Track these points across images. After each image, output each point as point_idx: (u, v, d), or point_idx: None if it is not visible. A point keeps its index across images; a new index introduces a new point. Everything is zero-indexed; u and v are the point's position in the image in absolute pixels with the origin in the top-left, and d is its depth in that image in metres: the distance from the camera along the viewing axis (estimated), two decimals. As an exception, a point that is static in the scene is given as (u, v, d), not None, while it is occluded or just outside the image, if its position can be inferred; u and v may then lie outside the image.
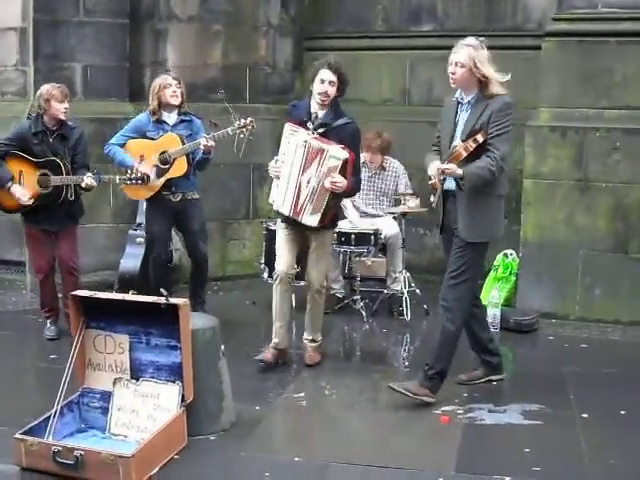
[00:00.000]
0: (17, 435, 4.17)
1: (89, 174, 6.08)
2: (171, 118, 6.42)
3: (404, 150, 7.67)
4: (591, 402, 5.16)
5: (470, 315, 5.33)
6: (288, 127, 5.55)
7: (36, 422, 4.31)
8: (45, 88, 6.19)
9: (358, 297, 7.08)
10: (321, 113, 5.58)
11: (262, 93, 8.48)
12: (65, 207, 6.20)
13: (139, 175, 6.15)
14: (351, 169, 5.49)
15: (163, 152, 6.30)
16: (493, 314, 6.69)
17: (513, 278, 7.28)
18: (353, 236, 6.90)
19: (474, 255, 5.10)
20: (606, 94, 6.86)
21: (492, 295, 6.83)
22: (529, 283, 7.10)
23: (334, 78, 5.52)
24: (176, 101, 6.36)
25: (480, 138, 4.88)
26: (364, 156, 7.23)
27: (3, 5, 8.23)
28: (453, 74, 5.01)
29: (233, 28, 8.28)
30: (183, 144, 6.28)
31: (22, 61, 8.15)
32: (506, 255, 7.41)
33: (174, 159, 6.29)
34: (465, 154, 4.89)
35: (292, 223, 5.66)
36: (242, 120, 6.24)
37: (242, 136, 6.28)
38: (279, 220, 5.82)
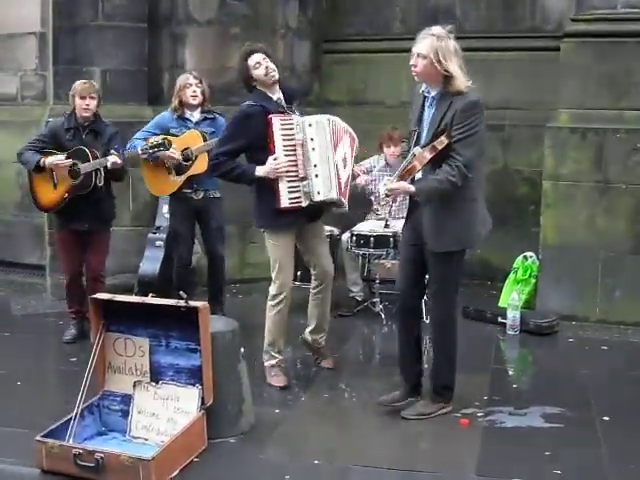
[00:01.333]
0: (38, 438, 4.20)
1: (112, 151, 6.04)
2: (194, 116, 6.46)
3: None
4: (612, 405, 5.13)
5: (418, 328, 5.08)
6: (277, 120, 5.19)
7: (57, 425, 4.33)
8: (74, 84, 6.25)
9: (377, 300, 7.07)
10: (279, 93, 5.39)
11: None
12: (95, 205, 6.17)
13: (160, 141, 6.12)
14: None
15: (185, 148, 6.33)
16: (513, 316, 6.67)
17: (533, 280, 7.24)
18: (372, 239, 6.89)
19: (450, 266, 4.79)
20: (626, 95, 6.82)
21: (512, 297, 6.80)
22: (549, 285, 7.07)
23: (265, 57, 5.38)
24: (195, 100, 6.40)
25: (439, 146, 4.52)
26: (386, 152, 7.23)
27: (23, 10, 8.29)
28: (414, 66, 4.63)
29: (251, 31, 8.26)
30: (205, 141, 6.31)
31: (41, 66, 8.21)
32: (526, 257, 7.38)
33: (196, 156, 6.31)
34: (419, 167, 4.56)
35: (298, 221, 5.38)
36: None
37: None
38: (278, 228, 5.39)
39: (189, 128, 6.43)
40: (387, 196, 4.72)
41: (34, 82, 8.32)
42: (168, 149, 6.22)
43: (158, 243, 7.32)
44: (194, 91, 6.39)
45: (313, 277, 5.70)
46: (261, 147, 5.20)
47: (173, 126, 6.44)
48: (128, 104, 7.92)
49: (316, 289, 5.71)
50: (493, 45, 8.36)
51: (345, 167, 5.38)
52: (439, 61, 4.53)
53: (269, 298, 5.53)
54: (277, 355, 5.52)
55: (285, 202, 5.23)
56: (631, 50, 6.80)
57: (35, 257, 8.22)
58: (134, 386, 4.56)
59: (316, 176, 5.23)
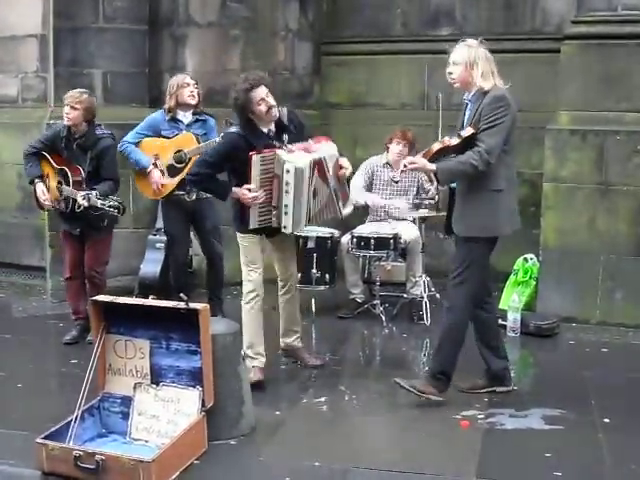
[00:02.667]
0: (38, 440, 4.20)
1: (82, 193, 5.88)
2: (186, 117, 6.47)
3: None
4: (612, 407, 5.13)
5: (478, 319, 5.27)
6: (257, 159, 5.23)
7: (57, 427, 4.33)
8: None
9: (378, 302, 7.07)
10: (272, 125, 5.44)
11: (281, 98, 8.43)
12: (84, 215, 6.15)
13: (115, 204, 5.87)
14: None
15: (179, 151, 6.33)
16: (513, 318, 6.67)
17: (533, 282, 7.25)
18: (372, 241, 6.88)
19: (470, 252, 5.04)
20: (626, 97, 6.83)
21: (512, 299, 6.81)
22: (549, 287, 7.07)
23: (268, 92, 5.42)
24: (193, 100, 6.43)
25: (464, 134, 4.89)
26: (392, 149, 7.22)
27: (23, 12, 8.29)
28: (450, 73, 5.05)
29: (252, 33, 8.29)
30: (199, 143, 6.31)
31: (42, 68, 8.20)
32: (526, 259, 7.38)
33: (189, 158, 6.31)
34: (437, 148, 4.90)
35: (267, 229, 5.52)
36: None
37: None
38: (246, 231, 5.56)
39: (180, 130, 6.44)
40: (404, 169, 5.07)
41: (35, 84, 8.31)
42: (120, 213, 5.96)
43: (158, 245, 7.32)
44: (191, 91, 6.41)
45: (278, 279, 5.88)
46: (242, 171, 5.30)
47: (165, 128, 6.46)
48: (129, 106, 7.93)
49: (281, 291, 5.90)
50: (493, 47, 8.26)
51: (325, 196, 5.50)
52: (472, 64, 4.95)
53: (242, 298, 5.64)
54: (256, 356, 5.51)
55: (254, 224, 5.44)
56: (631, 52, 6.80)
57: (36, 259, 8.22)
58: (134, 388, 4.55)
59: (285, 213, 5.38)
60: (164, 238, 7.21)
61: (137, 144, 6.47)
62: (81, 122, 6.13)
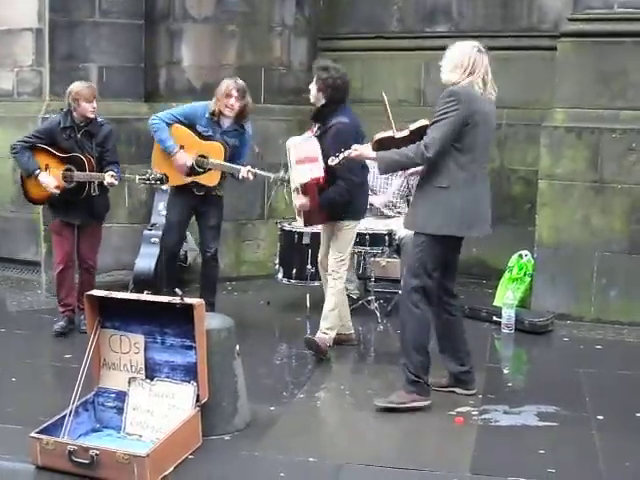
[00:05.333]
0: (32, 434, 4.19)
1: (111, 172, 6.14)
2: (226, 123, 6.35)
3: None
4: (606, 404, 5.14)
5: (439, 320, 5.15)
6: None
7: (51, 421, 4.32)
8: (75, 87, 6.28)
9: (372, 297, 7.07)
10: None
11: (277, 93, 8.49)
12: (87, 202, 6.27)
13: (158, 176, 6.13)
14: None
15: (203, 155, 6.26)
16: (508, 315, 6.68)
17: (528, 279, 7.25)
18: (367, 237, 6.89)
19: (420, 247, 4.91)
20: (622, 95, 6.84)
21: (507, 296, 6.82)
22: (544, 284, 7.08)
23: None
24: (230, 113, 6.28)
25: (412, 126, 4.94)
26: None
27: (19, 6, 8.27)
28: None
29: (248, 28, 8.28)
30: (225, 154, 6.25)
31: (38, 62, 8.18)
32: (521, 256, 7.39)
33: (210, 168, 6.25)
34: (379, 137, 4.99)
35: None
36: (284, 175, 6.17)
37: (276, 187, 6.30)
38: None
39: (215, 133, 6.27)
40: (345, 157, 5.10)
41: (30, 78, 8.29)
42: (164, 184, 6.21)
43: (153, 240, 7.32)
44: (232, 104, 6.24)
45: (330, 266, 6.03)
46: None
47: (201, 123, 6.31)
48: (124, 100, 7.92)
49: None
50: (489, 44, 8.28)
51: None
52: (455, 66, 4.89)
53: (337, 278, 6.05)
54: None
55: None
56: (627, 50, 6.81)
57: (30, 253, 8.21)
58: (129, 383, 4.55)
59: None
60: (159, 233, 7.21)
61: (169, 125, 6.37)
62: None
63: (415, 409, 4.93)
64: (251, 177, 6.21)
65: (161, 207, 7.10)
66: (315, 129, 5.94)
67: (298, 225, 6.49)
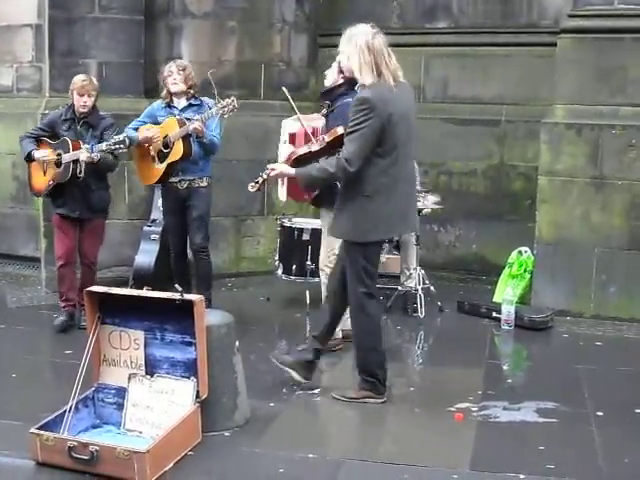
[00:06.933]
0: (33, 430, 4.19)
1: (86, 146, 6.14)
2: (180, 103, 6.44)
3: (418, 147, 7.64)
4: (606, 400, 5.14)
5: (336, 312, 5.19)
6: None
7: (51, 417, 4.32)
8: (74, 79, 6.39)
9: (372, 294, 7.06)
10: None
11: (277, 89, 8.44)
12: (85, 193, 6.30)
13: (120, 139, 6.12)
14: None
15: (166, 136, 6.33)
16: (507, 311, 6.68)
17: (528, 275, 7.25)
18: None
19: (349, 255, 4.91)
20: (622, 91, 6.83)
21: (506, 292, 6.82)
22: (544, 281, 7.08)
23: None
24: (176, 88, 6.39)
25: (327, 138, 4.90)
26: None
27: (19, 2, 8.27)
28: (340, 62, 5.05)
29: (248, 24, 8.28)
30: (182, 127, 6.27)
31: (37, 58, 8.17)
32: (521, 252, 7.39)
33: (173, 142, 6.29)
34: (299, 154, 4.94)
35: None
36: (226, 100, 6.21)
37: (226, 116, 6.25)
38: None
39: (174, 115, 6.40)
40: (265, 179, 5.09)
41: (30, 74, 8.28)
42: (128, 147, 6.26)
43: (153, 236, 7.32)
44: (174, 79, 6.37)
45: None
46: None
47: (160, 114, 6.46)
48: (124, 96, 7.91)
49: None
50: (489, 40, 8.37)
51: None
52: (350, 57, 4.78)
53: None
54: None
55: None
56: (627, 46, 6.81)
57: (30, 249, 8.21)
58: (129, 379, 4.55)
59: None
60: (159, 229, 7.22)
61: (136, 130, 6.46)
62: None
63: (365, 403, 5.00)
64: (198, 124, 6.14)
65: (160, 203, 7.08)
66: (324, 111, 5.90)
67: (298, 221, 6.48)
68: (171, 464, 4.15)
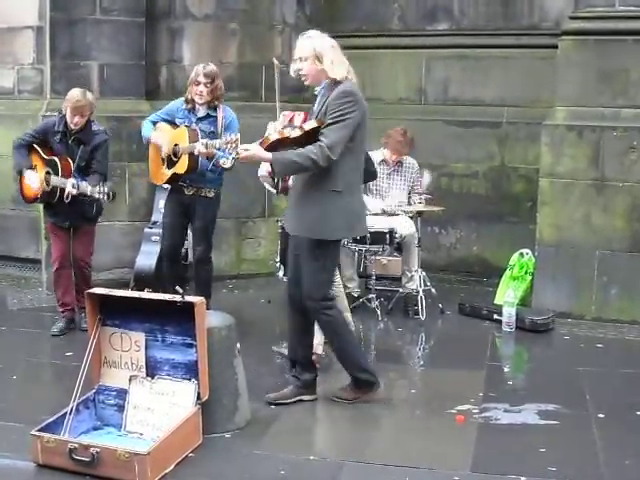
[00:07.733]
0: (33, 432, 4.19)
1: (72, 181, 6.02)
2: (200, 111, 6.29)
3: (419, 148, 7.66)
4: (607, 402, 5.14)
5: (303, 318, 5.05)
6: None
7: (52, 419, 4.32)
8: (69, 94, 6.25)
9: (373, 296, 7.06)
10: None
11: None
12: (75, 205, 6.21)
13: (106, 190, 5.98)
14: None
15: (176, 144, 6.26)
16: (508, 314, 6.68)
17: (529, 277, 7.25)
18: (368, 235, 6.86)
19: (316, 254, 4.78)
20: (623, 93, 6.83)
21: (507, 294, 6.82)
22: (545, 283, 7.08)
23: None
24: (200, 100, 6.21)
25: (307, 126, 4.67)
26: (384, 153, 7.24)
27: (20, 4, 8.27)
28: (299, 70, 4.81)
29: (249, 26, 8.28)
30: (191, 140, 6.16)
31: (39, 59, 8.18)
32: (522, 254, 7.39)
33: (181, 154, 6.21)
34: (275, 138, 4.65)
35: None
36: (231, 136, 5.70)
37: (230, 152, 6.05)
38: None
39: (192, 122, 6.28)
40: (236, 159, 5.00)
41: (31, 76, 8.29)
42: (110, 200, 6.08)
43: (154, 238, 7.32)
44: (200, 91, 6.17)
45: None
46: None
47: (179, 116, 6.30)
48: (125, 98, 7.91)
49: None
50: (490, 42, 8.38)
51: None
52: (319, 59, 4.69)
53: None
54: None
55: None
56: (629, 48, 6.80)
57: (31, 251, 8.21)
58: (130, 381, 4.55)
59: None
60: (160, 231, 7.20)
61: (154, 124, 6.38)
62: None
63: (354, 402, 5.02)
64: (204, 150, 5.93)
65: (162, 205, 7.07)
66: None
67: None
68: (172, 466, 4.15)
